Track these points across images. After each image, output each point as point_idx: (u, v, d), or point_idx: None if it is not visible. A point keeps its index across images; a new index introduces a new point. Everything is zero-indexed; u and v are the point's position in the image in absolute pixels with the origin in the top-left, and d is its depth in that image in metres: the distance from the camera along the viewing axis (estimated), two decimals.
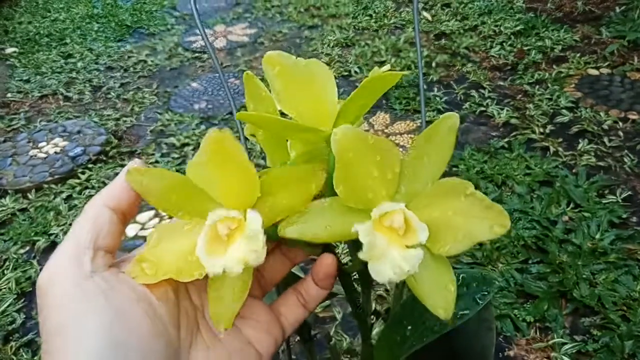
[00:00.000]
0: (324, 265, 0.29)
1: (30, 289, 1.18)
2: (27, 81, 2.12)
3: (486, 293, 0.30)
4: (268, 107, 0.28)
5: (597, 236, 1.11)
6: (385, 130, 1.56)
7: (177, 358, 0.26)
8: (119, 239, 0.27)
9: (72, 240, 0.25)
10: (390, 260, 0.23)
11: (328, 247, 0.29)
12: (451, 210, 0.24)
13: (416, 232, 0.24)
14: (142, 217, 1.34)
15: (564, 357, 0.91)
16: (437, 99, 1.67)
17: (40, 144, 1.65)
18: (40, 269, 1.22)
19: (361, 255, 0.23)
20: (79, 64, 2.23)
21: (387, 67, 0.27)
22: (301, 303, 0.32)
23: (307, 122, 0.26)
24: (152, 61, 2.20)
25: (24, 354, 1.03)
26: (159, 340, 0.24)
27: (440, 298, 0.25)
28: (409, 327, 0.34)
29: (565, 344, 0.93)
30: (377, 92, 0.26)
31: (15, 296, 1.15)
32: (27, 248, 1.29)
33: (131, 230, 1.31)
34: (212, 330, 0.28)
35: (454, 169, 1.35)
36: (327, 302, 1.02)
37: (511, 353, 0.94)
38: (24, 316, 1.12)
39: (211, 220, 0.24)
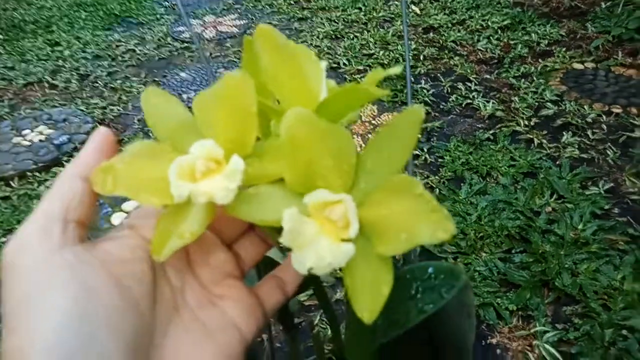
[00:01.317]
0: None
1: None
2: (12, 68, 2.08)
3: (452, 286, 0.29)
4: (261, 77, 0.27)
5: (580, 227, 1.12)
6: (373, 122, 1.56)
7: (151, 338, 0.25)
8: (91, 211, 0.26)
9: (41, 212, 0.24)
10: (315, 249, 0.23)
11: None
12: (397, 209, 0.23)
13: (349, 226, 0.23)
14: (128, 205, 1.33)
15: (545, 345, 0.92)
16: (425, 91, 1.68)
17: (24, 132, 1.63)
18: None
19: (281, 239, 0.22)
20: (66, 52, 2.19)
21: (398, 67, 0.26)
22: (280, 286, 0.32)
23: (288, 103, 0.25)
24: (140, 50, 2.18)
25: None
26: (129, 316, 0.23)
27: (369, 299, 0.24)
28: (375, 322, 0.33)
29: (547, 332, 0.94)
30: (360, 101, 0.26)
31: None
32: (9, 236, 1.28)
33: (117, 219, 1.30)
34: (194, 312, 0.27)
35: (440, 160, 1.36)
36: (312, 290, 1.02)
37: (493, 341, 0.95)
38: None
39: (194, 152, 0.24)
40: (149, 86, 0.26)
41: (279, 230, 0.28)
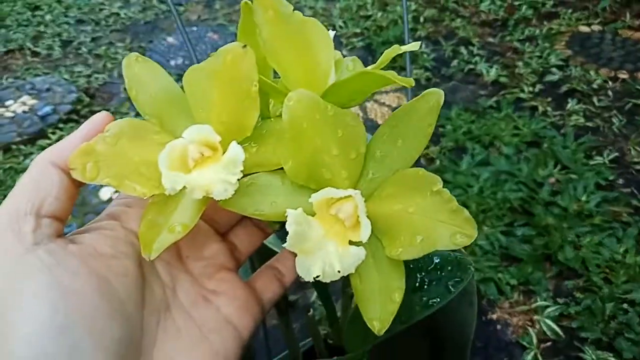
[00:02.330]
0: None
1: None
2: None
3: (460, 280, 0.27)
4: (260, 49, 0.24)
5: (583, 198, 1.10)
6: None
7: (139, 339, 0.22)
8: (69, 204, 0.22)
9: (9, 207, 0.21)
10: (322, 255, 0.21)
11: None
12: (413, 207, 0.21)
13: (360, 227, 0.21)
14: None
15: (546, 319, 0.91)
16: (425, 55, 1.62)
17: (7, 103, 1.56)
18: None
19: (286, 245, 0.20)
20: (47, 17, 2.10)
21: (416, 44, 0.24)
22: (277, 277, 0.30)
23: (292, 85, 0.22)
24: (125, 14, 2.08)
25: None
26: (114, 319, 0.21)
27: (380, 308, 0.22)
28: None
29: (548, 306, 0.93)
30: (375, 86, 0.23)
31: None
32: None
33: (106, 192, 1.25)
34: (186, 311, 0.25)
35: (441, 129, 1.32)
36: None
37: (494, 316, 0.94)
38: None
39: (187, 137, 0.21)
40: (131, 53, 0.24)
41: (278, 222, 0.25)
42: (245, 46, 0.20)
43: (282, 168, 0.22)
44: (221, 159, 0.21)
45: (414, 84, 0.20)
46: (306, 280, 0.21)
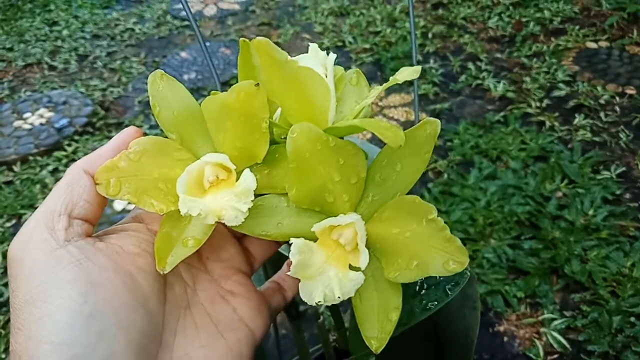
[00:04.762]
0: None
1: None
2: (11, 49, 2.05)
3: (457, 283, 0.28)
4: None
5: (590, 212, 1.10)
6: (380, 103, 1.53)
7: (160, 333, 0.24)
8: (99, 209, 0.24)
9: (45, 207, 0.23)
10: (323, 280, 0.22)
11: None
12: (409, 232, 0.22)
13: (359, 254, 0.22)
14: None
15: (553, 332, 0.91)
16: (433, 71, 1.64)
17: (25, 115, 1.61)
18: None
19: (290, 273, 0.21)
20: (64, 32, 2.15)
21: (417, 70, 0.24)
22: (281, 292, 0.32)
23: (293, 119, 0.24)
24: (139, 29, 2.13)
25: None
26: (138, 312, 0.23)
27: (377, 327, 0.23)
28: None
29: (555, 319, 0.93)
30: (372, 129, 0.24)
31: (2, 270, 1.14)
32: (14, 221, 1.27)
33: (119, 204, 1.28)
34: (205, 308, 0.27)
35: (448, 143, 1.33)
36: None
37: (501, 328, 0.94)
38: None
39: (204, 160, 0.23)
40: (156, 71, 0.25)
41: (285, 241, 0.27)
42: (257, 84, 0.22)
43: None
44: (235, 186, 0.22)
45: (402, 143, 0.20)
46: (309, 304, 0.22)
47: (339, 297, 0.21)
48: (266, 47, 0.22)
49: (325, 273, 0.22)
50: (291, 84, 0.23)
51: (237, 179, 0.23)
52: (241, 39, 0.25)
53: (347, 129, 0.23)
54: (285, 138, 0.23)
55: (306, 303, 0.22)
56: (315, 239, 0.23)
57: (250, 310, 0.28)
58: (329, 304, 0.22)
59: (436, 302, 0.29)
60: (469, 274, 0.27)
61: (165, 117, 0.24)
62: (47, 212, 0.23)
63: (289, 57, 0.23)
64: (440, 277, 0.31)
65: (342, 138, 0.23)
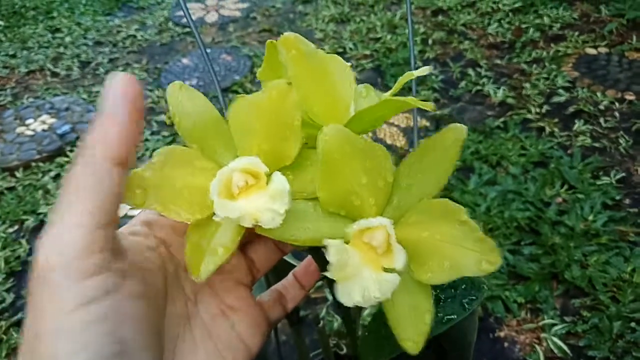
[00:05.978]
0: (308, 273, 0.30)
1: (20, 268, 1.17)
2: (14, 56, 2.06)
3: (474, 298, 0.29)
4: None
5: (590, 218, 1.10)
6: None
7: (160, 347, 0.24)
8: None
9: (79, 215, 0.20)
10: (360, 282, 0.22)
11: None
12: (440, 235, 0.22)
13: (394, 255, 0.22)
14: None
15: (553, 337, 0.91)
16: (433, 77, 1.65)
17: (28, 121, 1.62)
18: (30, 249, 1.21)
19: (328, 274, 0.21)
20: (67, 39, 2.17)
21: (426, 68, 0.25)
22: (281, 303, 0.31)
23: (317, 117, 0.24)
24: (141, 36, 2.14)
25: (14, 333, 1.03)
26: (139, 326, 0.22)
27: (412, 329, 0.23)
28: (385, 335, 0.32)
29: (555, 325, 0.93)
30: (397, 109, 0.25)
31: (4, 275, 1.14)
32: (16, 227, 1.28)
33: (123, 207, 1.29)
34: (205, 324, 0.26)
35: None
36: (319, 282, 1.02)
37: (501, 334, 0.94)
38: (14, 295, 1.11)
39: (234, 165, 0.22)
40: (175, 82, 0.25)
41: (311, 247, 0.27)
42: (290, 83, 0.22)
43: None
44: (267, 189, 0.22)
45: (435, 108, 0.22)
46: (347, 305, 0.22)
47: (377, 298, 0.21)
48: (295, 41, 0.23)
49: (359, 274, 0.22)
50: (318, 73, 0.23)
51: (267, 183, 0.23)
52: (268, 41, 0.25)
53: (376, 109, 0.23)
54: (307, 144, 0.23)
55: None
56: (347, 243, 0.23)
57: (249, 327, 0.28)
58: (366, 305, 0.22)
59: (455, 316, 0.29)
60: (486, 288, 0.28)
61: (184, 126, 0.24)
62: (83, 222, 0.20)
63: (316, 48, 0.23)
64: (456, 291, 0.31)
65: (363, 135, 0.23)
